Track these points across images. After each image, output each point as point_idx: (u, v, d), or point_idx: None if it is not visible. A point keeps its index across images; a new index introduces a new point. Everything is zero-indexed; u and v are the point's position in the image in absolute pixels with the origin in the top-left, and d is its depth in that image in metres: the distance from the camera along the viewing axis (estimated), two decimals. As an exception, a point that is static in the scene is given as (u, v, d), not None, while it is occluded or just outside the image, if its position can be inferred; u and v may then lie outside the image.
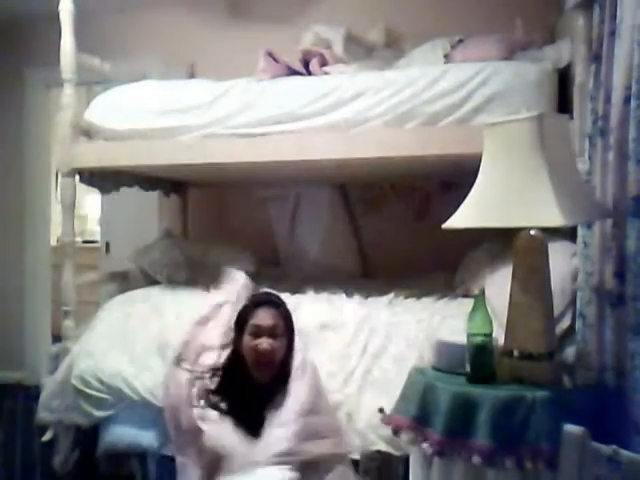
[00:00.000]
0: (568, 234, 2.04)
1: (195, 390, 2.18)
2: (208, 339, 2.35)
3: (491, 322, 1.64)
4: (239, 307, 2.28)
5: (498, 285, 1.97)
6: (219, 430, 2.05)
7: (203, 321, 2.44)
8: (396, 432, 1.67)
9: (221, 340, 2.33)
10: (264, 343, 2.10)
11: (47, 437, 2.60)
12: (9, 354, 4.15)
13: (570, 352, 1.87)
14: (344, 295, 2.63)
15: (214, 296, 2.63)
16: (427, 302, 2.52)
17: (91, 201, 6.01)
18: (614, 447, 1.24)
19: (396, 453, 2.04)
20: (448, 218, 1.69)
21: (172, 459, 2.23)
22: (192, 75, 3.63)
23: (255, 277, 3.07)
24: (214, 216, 3.80)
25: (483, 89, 2.25)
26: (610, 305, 1.63)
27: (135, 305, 2.71)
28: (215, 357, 2.27)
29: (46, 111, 4.25)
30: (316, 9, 3.55)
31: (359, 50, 2.95)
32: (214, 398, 2.15)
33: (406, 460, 1.84)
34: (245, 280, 2.75)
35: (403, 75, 2.39)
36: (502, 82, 2.23)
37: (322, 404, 2.12)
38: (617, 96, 1.62)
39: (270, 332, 2.12)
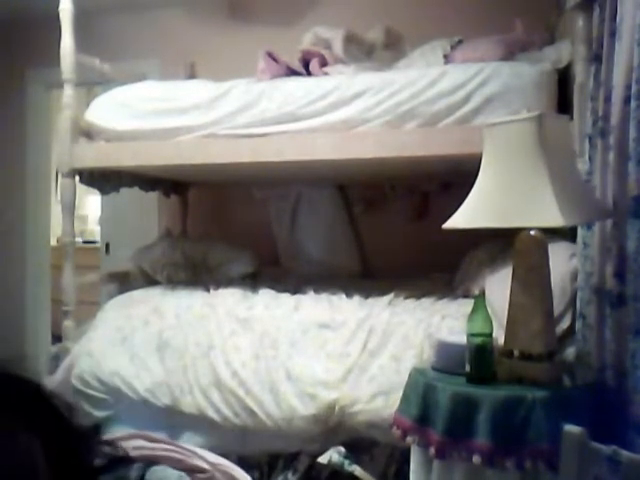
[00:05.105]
0: (568, 234, 2.04)
1: None
2: None
3: (491, 322, 1.63)
4: None
5: (498, 285, 1.97)
6: None
7: None
8: (403, 436, 1.67)
9: None
10: None
11: (47, 437, 2.59)
12: (9, 354, 4.14)
13: (570, 352, 1.87)
14: (344, 295, 2.63)
15: None
16: (427, 302, 2.52)
17: (91, 201, 6.01)
18: (614, 447, 1.23)
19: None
20: (448, 218, 1.69)
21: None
22: (192, 75, 3.63)
23: (255, 277, 3.08)
24: (214, 216, 3.80)
25: (483, 89, 2.25)
26: (610, 305, 1.63)
27: (135, 305, 2.70)
28: None
29: (46, 111, 4.25)
30: (316, 9, 3.55)
31: (359, 51, 2.94)
32: None
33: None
34: None
35: (403, 76, 2.39)
36: (502, 82, 2.24)
37: None
38: (617, 96, 1.62)
39: None
